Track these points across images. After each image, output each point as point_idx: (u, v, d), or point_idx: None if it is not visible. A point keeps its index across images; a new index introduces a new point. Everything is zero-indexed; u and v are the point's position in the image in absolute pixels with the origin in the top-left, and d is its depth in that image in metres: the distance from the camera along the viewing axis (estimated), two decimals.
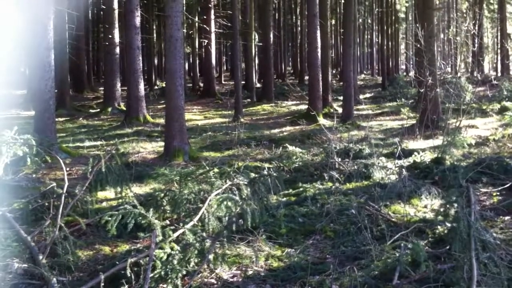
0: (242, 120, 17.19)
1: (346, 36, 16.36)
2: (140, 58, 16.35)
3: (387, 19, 36.05)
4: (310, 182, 8.14)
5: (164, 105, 22.77)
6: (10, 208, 7.02)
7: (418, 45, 12.25)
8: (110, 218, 4.78)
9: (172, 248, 4.61)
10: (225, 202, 5.12)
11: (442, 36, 45.41)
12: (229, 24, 27.02)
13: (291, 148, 9.74)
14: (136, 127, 15.27)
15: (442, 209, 5.28)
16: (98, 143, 13.09)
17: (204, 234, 4.79)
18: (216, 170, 6.94)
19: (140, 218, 4.77)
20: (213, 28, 26.54)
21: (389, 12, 35.85)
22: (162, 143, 12.33)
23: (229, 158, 10.14)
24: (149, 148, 11.80)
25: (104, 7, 22.64)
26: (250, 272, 4.86)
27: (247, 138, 13.08)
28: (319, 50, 16.57)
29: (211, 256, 4.61)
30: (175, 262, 4.54)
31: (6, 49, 34.25)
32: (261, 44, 25.43)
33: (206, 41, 26.42)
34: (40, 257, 5.11)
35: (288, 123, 16.51)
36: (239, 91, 17.79)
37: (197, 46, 30.71)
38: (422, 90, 12.37)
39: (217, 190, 5.43)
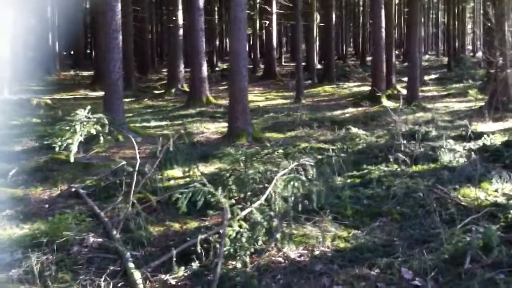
0: (303, 101, 17.13)
1: (411, 15, 15.93)
2: (204, 39, 16.52)
3: None
4: (375, 164, 8.04)
5: (226, 87, 23.12)
6: (83, 185, 7.34)
7: (489, 24, 11.77)
8: (180, 196, 4.90)
9: (240, 226, 4.69)
10: (292, 182, 5.14)
11: None
12: (290, 5, 26.84)
13: (354, 130, 9.64)
14: (199, 108, 15.50)
15: None
16: (164, 123, 13.40)
17: (271, 213, 4.84)
18: (280, 150, 6.99)
19: (210, 196, 4.86)
20: (274, 9, 26.41)
21: None
22: (225, 124, 12.49)
23: (292, 139, 10.16)
24: (213, 129, 11.96)
25: None
26: (317, 252, 4.88)
27: (309, 120, 13.03)
28: (383, 30, 16.22)
29: (278, 235, 4.66)
30: (244, 240, 4.63)
31: (73, 32, 35.44)
32: (322, 24, 25.13)
33: (267, 22, 26.36)
34: (114, 232, 5.32)
35: (350, 104, 16.33)
36: (300, 72, 17.71)
37: (258, 28, 30.70)
38: (492, 71, 11.92)
39: (283, 170, 5.45)
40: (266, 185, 5.56)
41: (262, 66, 31.20)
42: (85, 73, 31.44)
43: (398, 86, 19.43)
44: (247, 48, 28.71)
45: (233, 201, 5.43)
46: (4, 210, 6.22)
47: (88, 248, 5.11)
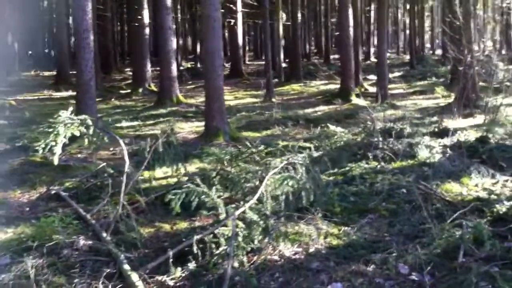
0: (273, 100, 17.19)
1: (379, 14, 16.19)
2: (172, 38, 16.40)
3: None
4: (355, 161, 8.13)
5: (194, 86, 23.02)
6: (62, 187, 7.19)
7: (457, 22, 12.06)
8: (173, 197, 4.87)
9: (236, 226, 4.68)
10: (286, 181, 5.16)
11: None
12: (255, 3, 26.89)
13: (332, 127, 9.73)
14: (170, 108, 15.37)
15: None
16: (135, 123, 13.23)
17: (267, 212, 4.85)
18: (263, 149, 7.01)
19: (204, 196, 4.84)
20: (239, 8, 26.38)
21: None
22: (198, 123, 12.45)
23: (269, 138, 10.19)
24: (187, 128, 11.89)
25: None
26: (311, 250, 4.91)
27: (282, 118, 13.08)
28: (351, 28, 16.42)
29: (274, 234, 4.67)
30: (240, 239, 4.62)
31: (31, 32, 34.63)
32: (288, 23, 25.26)
33: (233, 20, 26.33)
34: (104, 234, 5.24)
35: (321, 102, 16.48)
36: (270, 70, 17.76)
37: (222, 26, 30.61)
38: (461, 68, 12.22)
39: (273, 169, 5.47)
40: (253, 184, 5.57)
41: (226, 65, 31.15)
42: (46, 73, 30.79)
43: (365, 84, 19.72)
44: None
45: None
46: None
47: (79, 251, 5.01)
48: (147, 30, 20.04)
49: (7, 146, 10.37)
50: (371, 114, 9.57)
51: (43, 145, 5.72)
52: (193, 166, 8.19)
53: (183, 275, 4.46)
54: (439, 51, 45.30)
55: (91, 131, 5.81)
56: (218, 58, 10.13)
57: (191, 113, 14.53)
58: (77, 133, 5.83)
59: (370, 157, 8.21)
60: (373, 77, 23.19)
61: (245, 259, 4.55)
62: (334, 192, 6.18)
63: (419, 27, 37.23)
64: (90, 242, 5.16)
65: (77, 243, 5.11)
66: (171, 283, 4.38)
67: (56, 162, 5.74)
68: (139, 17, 19.63)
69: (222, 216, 4.79)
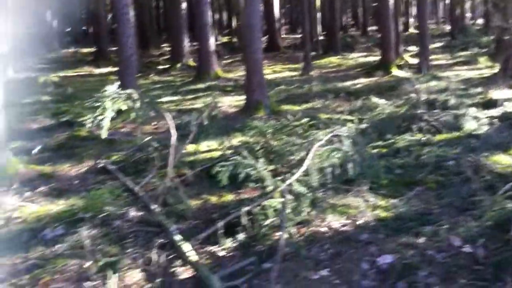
0: (311, 73, 17.01)
1: None
2: (210, 12, 16.34)
3: None
4: (398, 134, 8.01)
5: (231, 60, 22.97)
6: (110, 161, 7.33)
7: None
8: (221, 169, 4.90)
9: (284, 198, 4.69)
10: (333, 153, 5.13)
11: None
12: None
13: (374, 99, 9.58)
14: (209, 82, 15.37)
15: None
16: (175, 98, 13.32)
17: (315, 184, 4.85)
18: (306, 122, 6.98)
19: (251, 168, 4.85)
20: None
21: None
22: (238, 97, 12.44)
23: (310, 111, 10.11)
24: (227, 103, 11.89)
25: None
26: (360, 222, 4.90)
27: (321, 91, 12.96)
28: None
29: (322, 206, 4.67)
30: (288, 211, 4.64)
31: (70, 9, 35.03)
32: None
33: None
34: (153, 206, 5.33)
35: (360, 75, 16.20)
36: (308, 43, 17.56)
37: None
38: (506, 38, 11.82)
39: (318, 142, 5.44)
40: (302, 156, 5.55)
41: (263, 39, 30.91)
42: (85, 50, 31.16)
43: (405, 56, 19.30)
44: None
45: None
46: (38, 186, 6.23)
47: (130, 222, 5.13)
48: (184, 5, 20.02)
49: (52, 121, 10.61)
50: (414, 86, 9.38)
51: (91, 119, 5.83)
52: (234, 140, 8.21)
53: (233, 245, 4.52)
54: (480, 21, 44.06)
55: (137, 105, 5.87)
56: (257, 31, 10.06)
57: (230, 87, 14.52)
58: (124, 107, 5.91)
59: (415, 129, 8.08)
60: (413, 48, 22.70)
61: (293, 230, 4.58)
62: (380, 164, 6.11)
63: None
64: (140, 213, 5.27)
65: (128, 214, 5.23)
66: (221, 253, 4.44)
67: (104, 135, 5.85)
68: None
69: (270, 188, 4.81)
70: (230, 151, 6.48)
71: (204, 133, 6.05)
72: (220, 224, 4.56)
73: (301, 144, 5.57)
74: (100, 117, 5.69)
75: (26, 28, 25.73)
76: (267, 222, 4.59)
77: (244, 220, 4.57)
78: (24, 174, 6.76)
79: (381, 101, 9.52)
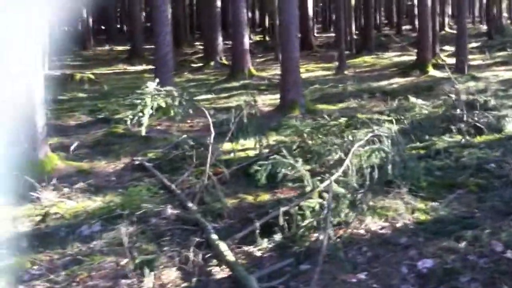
0: (346, 72, 16.87)
1: None
2: (245, 10, 16.33)
3: None
4: (437, 135, 7.86)
5: (264, 59, 22.94)
6: (146, 158, 7.38)
7: None
8: (260, 168, 4.86)
9: (324, 199, 4.63)
10: (374, 154, 5.05)
11: None
12: None
13: (412, 99, 9.41)
14: (243, 81, 15.39)
15: None
16: (210, 96, 13.37)
17: (355, 185, 4.78)
18: (344, 122, 6.90)
19: (290, 168, 4.81)
20: None
21: None
22: (272, 96, 12.41)
23: (345, 111, 10.01)
24: (261, 101, 11.86)
25: None
26: (399, 225, 4.81)
27: (356, 91, 12.83)
28: None
29: (364, 207, 4.60)
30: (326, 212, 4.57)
31: (104, 7, 35.52)
32: None
33: None
34: (190, 204, 5.33)
35: (396, 74, 15.98)
36: (342, 42, 17.42)
37: None
38: None
39: (358, 141, 5.36)
40: (341, 156, 5.48)
41: None
42: (120, 48, 31.52)
43: (442, 55, 18.98)
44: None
45: None
46: (76, 182, 6.30)
47: (167, 220, 5.14)
48: (218, 3, 20.05)
49: (89, 118, 10.75)
50: (454, 85, 9.18)
51: (130, 116, 5.87)
52: (270, 139, 8.17)
53: (270, 246, 4.48)
54: None
55: (176, 103, 5.89)
56: (294, 30, 10.01)
57: (263, 86, 14.51)
58: (163, 104, 5.93)
59: (454, 130, 7.92)
60: (449, 48, 22.30)
61: (331, 232, 4.51)
62: (419, 166, 5.99)
63: None
64: (177, 211, 5.28)
65: (164, 212, 5.24)
66: (258, 253, 4.41)
67: (143, 132, 5.90)
68: None
69: (308, 188, 4.75)
70: (267, 150, 6.43)
71: (242, 131, 6.01)
72: (257, 224, 4.52)
73: (340, 144, 5.49)
74: (140, 114, 5.70)
75: (62, 25, 26.22)
76: (305, 222, 4.53)
77: (281, 221, 4.52)
78: (62, 170, 6.85)
79: (419, 101, 9.35)
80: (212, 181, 5.38)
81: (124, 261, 4.30)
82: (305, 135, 6.66)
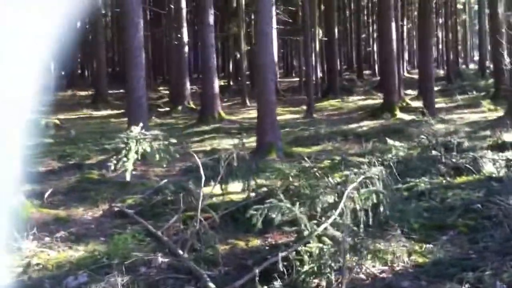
0: (315, 115, 17.06)
1: (424, 28, 15.98)
2: (214, 56, 16.44)
3: (446, 10, 35.38)
4: (417, 176, 7.89)
5: (231, 103, 23.05)
6: (125, 205, 7.13)
7: None
8: (255, 212, 4.73)
9: (323, 243, 4.52)
10: (371, 196, 4.99)
11: None
12: (290, 20, 26.85)
13: (390, 141, 9.51)
14: (213, 124, 15.35)
15: None
16: (181, 140, 13.19)
17: (355, 228, 4.69)
18: (328, 164, 6.87)
19: (287, 212, 4.69)
20: (274, 25, 26.33)
21: (448, 2, 35.18)
22: (245, 140, 12.33)
23: (322, 153, 10.03)
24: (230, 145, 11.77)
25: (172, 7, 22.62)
26: (398, 268, 4.73)
27: (328, 133, 12.92)
28: (394, 43, 16.23)
29: (360, 251, 4.51)
30: (327, 256, 4.46)
31: (67, 52, 35.25)
32: (325, 39, 25.17)
33: None
34: (180, 251, 5.13)
35: (364, 117, 16.27)
36: (311, 86, 17.69)
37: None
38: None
39: (351, 183, 5.29)
40: (334, 199, 5.40)
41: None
42: (83, 93, 31.17)
43: (406, 99, 19.46)
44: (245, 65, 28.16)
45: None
46: (56, 231, 6.01)
47: (157, 269, 4.91)
48: (186, 48, 20.16)
49: (59, 164, 10.43)
50: (431, 127, 9.34)
51: (114, 161, 5.68)
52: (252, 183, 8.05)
53: None
54: (471, 65, 44.83)
55: (162, 146, 5.74)
56: (271, 73, 10.08)
57: (235, 129, 14.47)
58: (148, 149, 5.78)
59: (434, 171, 7.99)
60: (411, 91, 22.92)
61: (333, 277, 4.39)
62: (409, 208, 5.97)
63: (452, 41, 36.74)
64: (168, 259, 5.06)
65: (155, 260, 5.01)
66: None
67: (128, 178, 5.72)
68: (179, 35, 19.76)
69: (306, 233, 4.64)
70: (253, 194, 6.30)
71: (231, 174, 5.89)
72: (256, 271, 4.36)
73: (333, 187, 5.41)
74: (124, 159, 5.52)
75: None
76: (305, 268, 4.39)
77: (281, 267, 4.37)
78: (38, 219, 6.53)
79: (397, 143, 9.44)
80: (203, 226, 5.19)
81: None
82: (290, 178, 6.56)
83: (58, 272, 4.99)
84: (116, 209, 6.97)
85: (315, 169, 6.33)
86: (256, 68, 10.50)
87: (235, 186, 7.07)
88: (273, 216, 4.69)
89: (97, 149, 11.60)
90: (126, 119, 12.28)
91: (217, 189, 7.14)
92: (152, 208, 6.79)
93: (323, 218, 4.91)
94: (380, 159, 8.91)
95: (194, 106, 19.98)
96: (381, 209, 5.33)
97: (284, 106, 21.89)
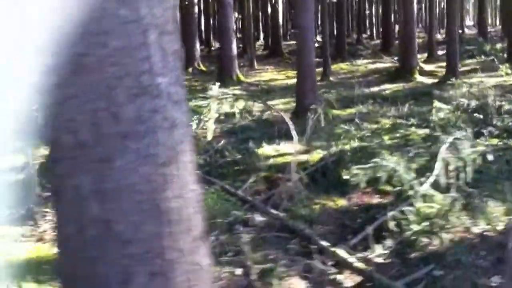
0: (331, 78, 16.92)
1: None
2: (232, 16, 16.13)
3: None
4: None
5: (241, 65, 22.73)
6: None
7: None
8: (359, 172, 4.70)
9: (429, 202, 4.51)
10: (476, 156, 4.98)
11: None
12: None
13: (438, 103, 9.42)
14: (232, 87, 15.10)
15: None
16: (202, 103, 12.98)
17: (467, 189, 4.69)
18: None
19: (392, 172, 4.66)
20: None
21: None
22: (276, 101, 12.22)
23: (362, 115, 9.91)
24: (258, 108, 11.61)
25: None
26: (499, 228, 4.74)
27: (355, 96, 12.78)
28: (415, 4, 16.07)
29: (477, 211, 4.51)
30: (436, 216, 4.46)
31: None
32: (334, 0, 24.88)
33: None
34: (273, 211, 5.10)
35: (384, 81, 16.13)
36: (327, 49, 17.44)
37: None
38: None
39: (441, 144, 5.27)
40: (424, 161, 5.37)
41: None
42: None
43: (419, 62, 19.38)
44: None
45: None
46: None
47: (256, 228, 4.88)
48: (196, 8, 19.76)
49: None
50: (469, 90, 9.32)
51: (196, 121, 5.58)
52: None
53: (384, 252, 4.31)
54: (467, 30, 44.70)
55: (242, 106, 5.64)
56: (310, 34, 9.91)
57: (256, 91, 14.30)
58: (227, 109, 5.68)
59: (485, 134, 7.99)
60: (420, 55, 22.78)
61: (445, 236, 4.39)
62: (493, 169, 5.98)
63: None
64: (263, 218, 5.02)
65: (252, 219, 4.98)
66: (376, 260, 4.22)
67: (210, 137, 5.60)
68: None
69: (411, 192, 4.62)
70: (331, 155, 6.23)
71: (320, 134, 5.82)
72: (370, 229, 4.35)
73: (427, 148, 5.38)
74: (205, 119, 5.42)
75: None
76: (417, 227, 4.39)
77: (391, 225, 4.37)
78: None
79: (443, 106, 9.38)
80: (297, 185, 5.15)
81: (239, 271, 4.03)
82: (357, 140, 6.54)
83: None
84: None
85: (379, 131, 6.29)
86: (297, 29, 10.29)
87: (286, 147, 6.99)
88: (379, 175, 4.65)
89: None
90: None
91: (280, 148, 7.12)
92: (218, 168, 6.72)
93: (423, 178, 4.87)
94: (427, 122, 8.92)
95: (204, 68, 19.70)
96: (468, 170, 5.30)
97: (294, 69, 21.67)
